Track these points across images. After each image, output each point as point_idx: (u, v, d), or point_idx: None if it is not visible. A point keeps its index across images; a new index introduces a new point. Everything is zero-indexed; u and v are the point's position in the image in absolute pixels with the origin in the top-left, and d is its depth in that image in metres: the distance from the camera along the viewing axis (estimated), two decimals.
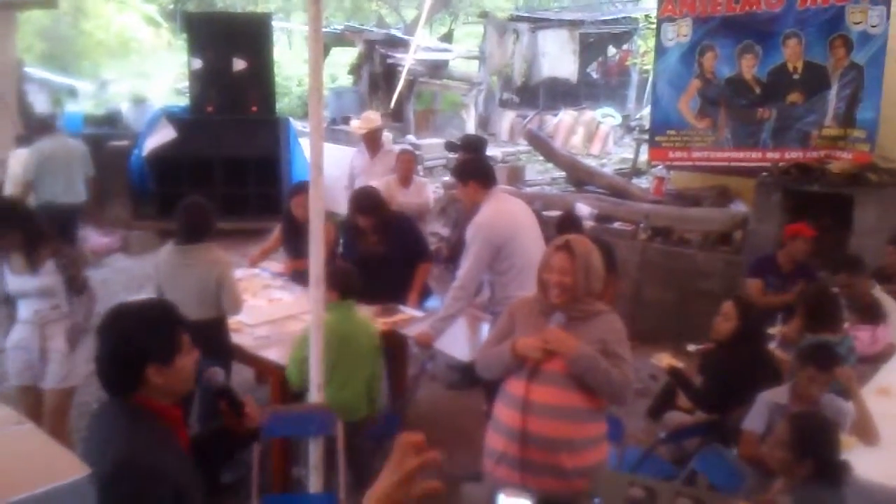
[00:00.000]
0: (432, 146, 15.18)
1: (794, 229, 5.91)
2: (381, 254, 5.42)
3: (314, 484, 3.83)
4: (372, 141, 7.54)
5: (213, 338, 4.54)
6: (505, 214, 4.73)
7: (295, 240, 5.88)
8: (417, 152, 12.53)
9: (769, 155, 7.91)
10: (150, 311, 2.35)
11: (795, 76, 7.76)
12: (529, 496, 2.62)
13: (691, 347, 5.06)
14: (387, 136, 13.92)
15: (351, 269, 4.56)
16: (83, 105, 16.43)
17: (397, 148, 8.66)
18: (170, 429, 2.25)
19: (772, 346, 4.90)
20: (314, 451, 3.85)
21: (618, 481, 1.45)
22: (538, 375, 3.21)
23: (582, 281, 3.30)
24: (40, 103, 13.49)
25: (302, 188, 5.89)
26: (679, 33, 8.36)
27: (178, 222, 4.62)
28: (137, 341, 2.21)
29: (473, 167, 5.07)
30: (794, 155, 7.59)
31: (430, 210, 7.77)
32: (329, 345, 3.94)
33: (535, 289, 3.45)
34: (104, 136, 11.68)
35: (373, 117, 7.90)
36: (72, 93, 17.62)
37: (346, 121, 15.52)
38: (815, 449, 3.09)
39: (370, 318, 4.76)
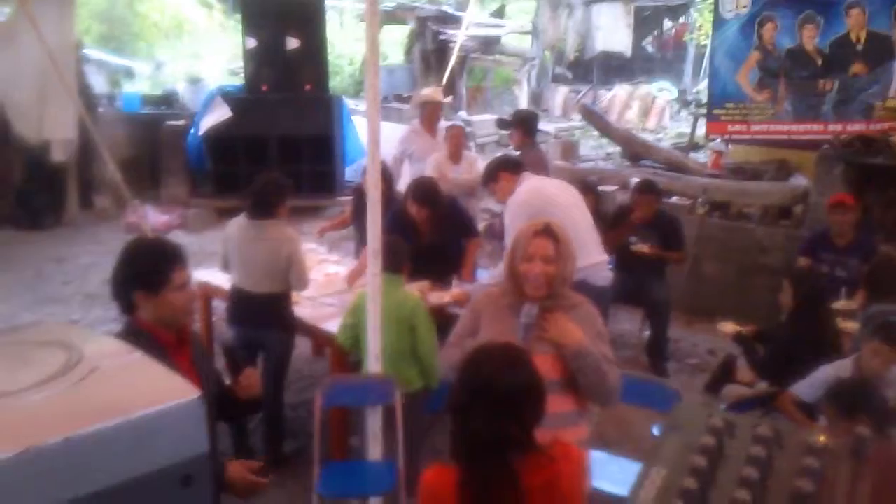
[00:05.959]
0: (484, 122, 15.11)
1: (835, 200, 5.74)
2: (439, 245, 5.42)
3: (373, 452, 3.88)
4: (436, 116, 7.48)
5: (278, 311, 4.67)
6: (536, 191, 4.86)
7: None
8: (469, 129, 12.51)
9: (831, 127, 7.76)
10: (145, 247, 2.79)
11: (858, 47, 7.59)
12: None
13: (729, 327, 5.00)
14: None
15: (399, 243, 4.32)
16: (140, 86, 16.70)
17: (446, 123, 8.61)
18: (165, 350, 2.55)
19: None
20: (373, 420, 3.89)
21: (698, 412, 1.47)
22: None
23: (563, 270, 2.89)
24: (99, 84, 13.75)
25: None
26: (738, 5, 8.22)
27: (251, 197, 4.65)
28: (127, 269, 2.64)
29: (496, 163, 5.25)
30: (857, 127, 7.44)
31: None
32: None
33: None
34: (161, 115, 11.91)
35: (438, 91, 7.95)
36: (129, 74, 17.90)
37: (398, 98, 15.53)
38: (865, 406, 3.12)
39: (419, 292, 4.71)
